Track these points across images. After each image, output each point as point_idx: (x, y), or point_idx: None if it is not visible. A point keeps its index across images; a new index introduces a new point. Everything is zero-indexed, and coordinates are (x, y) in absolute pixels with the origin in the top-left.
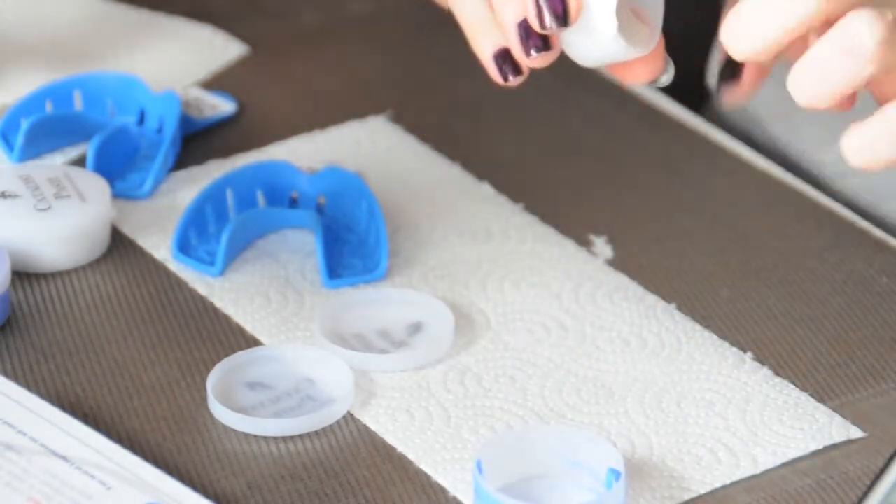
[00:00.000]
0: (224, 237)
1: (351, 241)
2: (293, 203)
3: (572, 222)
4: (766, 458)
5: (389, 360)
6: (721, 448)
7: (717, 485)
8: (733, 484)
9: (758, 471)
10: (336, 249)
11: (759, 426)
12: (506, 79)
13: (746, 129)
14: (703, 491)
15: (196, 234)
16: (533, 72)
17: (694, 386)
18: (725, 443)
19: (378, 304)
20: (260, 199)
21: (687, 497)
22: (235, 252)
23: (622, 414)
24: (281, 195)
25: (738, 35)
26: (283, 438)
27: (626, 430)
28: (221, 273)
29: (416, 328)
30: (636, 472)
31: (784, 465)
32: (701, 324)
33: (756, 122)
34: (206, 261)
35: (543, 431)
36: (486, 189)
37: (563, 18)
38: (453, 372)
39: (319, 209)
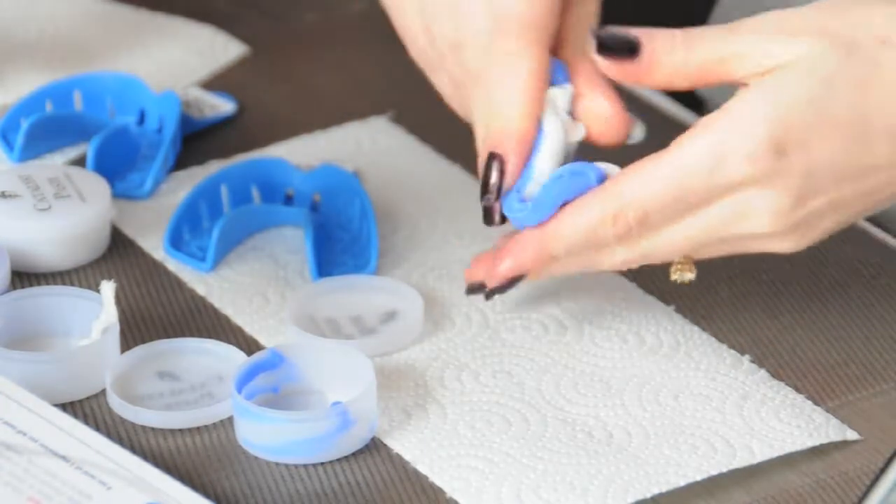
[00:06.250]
0: (215, 232)
1: (343, 238)
2: (288, 200)
3: None
4: (762, 450)
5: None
6: (717, 439)
7: (714, 472)
8: (732, 478)
9: (754, 461)
10: (328, 247)
11: (756, 421)
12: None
13: None
14: (699, 478)
15: (189, 229)
16: None
17: (692, 382)
18: (722, 435)
19: (356, 290)
20: (255, 195)
21: (683, 483)
22: (227, 248)
23: (619, 406)
24: (276, 192)
25: None
26: None
27: (622, 422)
28: (212, 268)
29: (389, 316)
30: (633, 458)
31: (784, 465)
32: (700, 324)
33: None
34: (197, 256)
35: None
36: None
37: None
38: (450, 369)
39: (314, 206)
